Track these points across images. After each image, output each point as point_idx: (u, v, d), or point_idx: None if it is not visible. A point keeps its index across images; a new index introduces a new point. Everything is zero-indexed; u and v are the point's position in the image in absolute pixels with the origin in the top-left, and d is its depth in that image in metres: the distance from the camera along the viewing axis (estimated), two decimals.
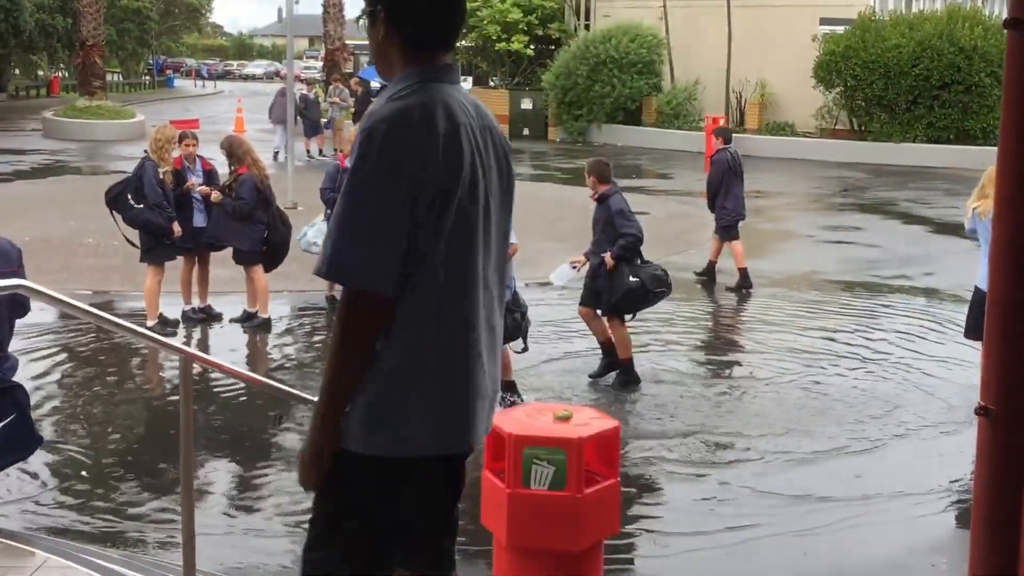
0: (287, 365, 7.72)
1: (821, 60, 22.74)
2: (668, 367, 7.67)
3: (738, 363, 7.87)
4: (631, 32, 25.42)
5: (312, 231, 8.86)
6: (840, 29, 23.02)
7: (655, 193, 17.67)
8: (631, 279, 6.87)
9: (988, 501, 1.93)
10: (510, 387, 6.56)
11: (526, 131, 27.56)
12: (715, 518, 5.16)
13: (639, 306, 7.07)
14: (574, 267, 7.33)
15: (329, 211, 8.52)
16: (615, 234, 6.90)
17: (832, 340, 8.38)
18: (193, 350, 3.73)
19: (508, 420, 3.85)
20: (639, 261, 7.00)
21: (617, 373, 7.09)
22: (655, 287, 6.94)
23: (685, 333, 8.79)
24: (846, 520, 5.11)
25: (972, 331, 6.84)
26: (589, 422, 3.90)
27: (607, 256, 6.91)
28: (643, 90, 25.63)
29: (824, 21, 23.81)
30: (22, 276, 4.38)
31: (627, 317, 7.11)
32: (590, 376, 7.17)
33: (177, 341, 8.05)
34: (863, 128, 23.15)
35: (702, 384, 7.32)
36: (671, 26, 25.50)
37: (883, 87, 21.90)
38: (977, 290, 6.71)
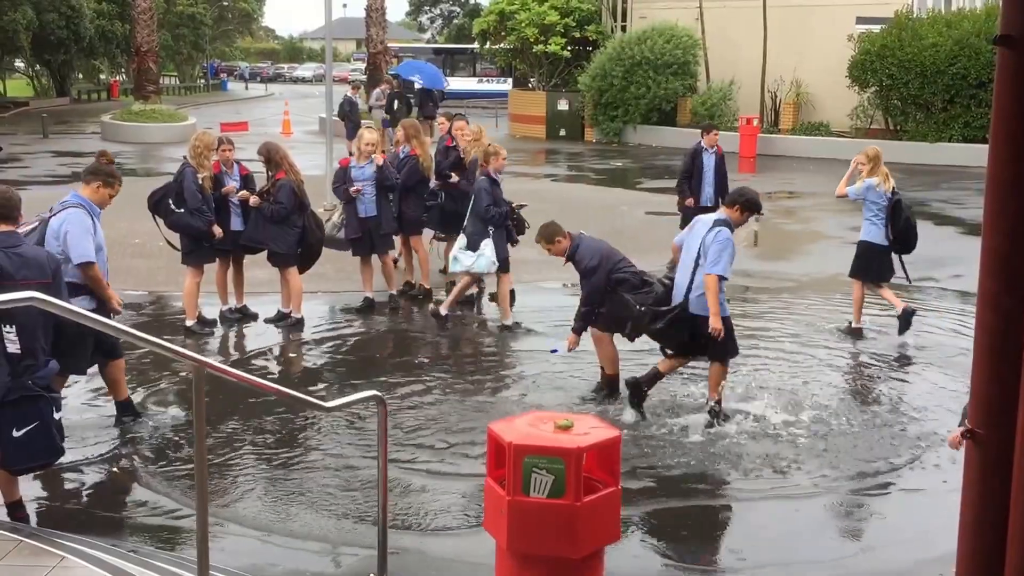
0: (318, 364, 8.02)
1: (856, 59, 22.62)
2: (677, 374, 7.83)
3: (750, 369, 7.80)
4: (666, 33, 25.47)
5: (486, 255, 8.64)
6: (876, 28, 22.88)
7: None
8: (639, 308, 6.57)
9: (975, 521, 1.99)
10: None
11: (562, 132, 27.82)
12: (721, 524, 5.28)
13: (642, 331, 6.77)
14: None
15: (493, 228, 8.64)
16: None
17: (846, 346, 8.43)
18: (205, 358, 3.94)
19: (510, 429, 3.90)
20: (643, 286, 6.77)
21: (604, 390, 7.04)
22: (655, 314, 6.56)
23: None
24: (854, 529, 5.26)
25: (854, 273, 8.70)
26: (590, 431, 3.92)
27: (570, 337, 6.95)
28: (678, 91, 25.68)
29: (861, 20, 23.65)
30: (58, 287, 4.70)
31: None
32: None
33: (214, 339, 8.59)
34: (898, 127, 22.99)
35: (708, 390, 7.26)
36: (707, 26, 25.54)
37: (919, 86, 21.72)
38: (860, 242, 8.55)
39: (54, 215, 5.97)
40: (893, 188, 8.30)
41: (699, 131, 11.41)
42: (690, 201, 10.84)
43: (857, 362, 8.10)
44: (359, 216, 9.13)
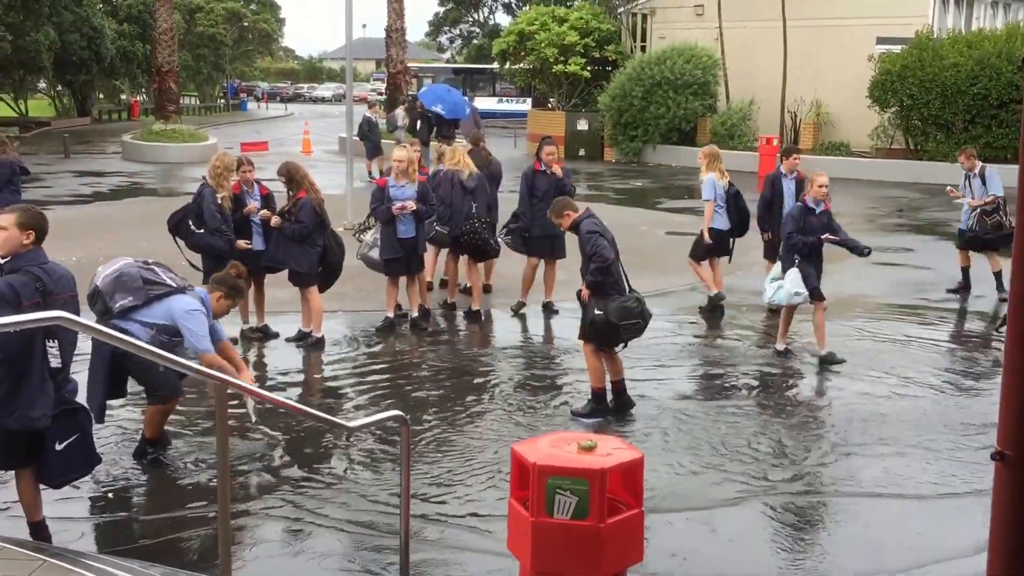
0: (338, 383, 8.00)
1: (877, 79, 22.61)
2: (699, 393, 7.77)
3: (772, 389, 7.83)
4: (686, 53, 25.55)
5: (786, 287, 8.16)
6: (897, 48, 22.87)
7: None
8: (596, 312, 6.71)
9: (1004, 544, 1.95)
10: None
11: (582, 152, 27.87)
12: (744, 548, 5.19)
13: (606, 339, 6.84)
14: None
15: None
16: (588, 257, 6.75)
17: (867, 365, 8.39)
18: (227, 377, 3.95)
19: (533, 450, 3.90)
20: (615, 292, 6.77)
21: (588, 400, 7.05)
22: (622, 319, 6.69)
23: (718, 357, 8.82)
24: (879, 549, 5.17)
25: (705, 255, 10.20)
26: (613, 452, 3.92)
27: (583, 286, 6.83)
28: (698, 111, 25.71)
29: (881, 40, 23.66)
30: (77, 300, 4.77)
31: (618, 348, 6.96)
32: (572, 412, 7.06)
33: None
34: (919, 148, 22.91)
35: (733, 410, 7.28)
36: (727, 47, 25.59)
37: (940, 106, 21.68)
38: (712, 230, 9.97)
39: (184, 292, 6.05)
40: (729, 181, 10.01)
41: (780, 157, 11.07)
42: (767, 235, 10.15)
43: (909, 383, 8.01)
44: (398, 237, 9.11)
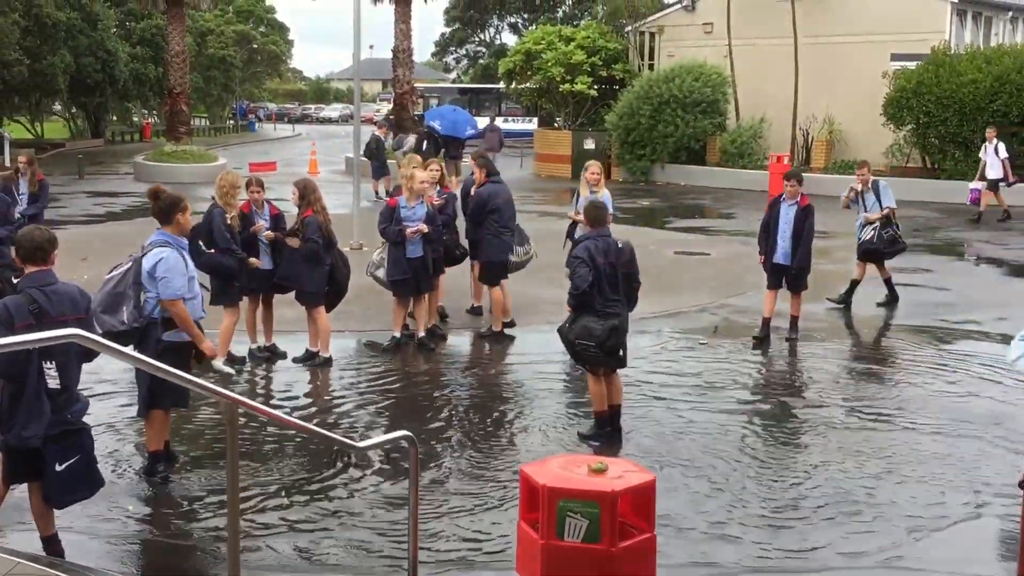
0: (345, 403, 7.95)
1: (891, 97, 22.40)
2: (708, 415, 7.65)
3: (784, 414, 7.69)
4: (695, 71, 25.44)
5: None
6: (911, 65, 22.71)
7: (716, 233, 17.68)
8: (564, 324, 6.74)
9: None
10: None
11: None
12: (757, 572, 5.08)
13: (574, 356, 6.81)
14: None
15: None
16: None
17: (883, 386, 8.32)
18: (238, 396, 3.94)
19: (544, 472, 3.86)
20: (593, 315, 6.58)
21: (592, 426, 6.98)
22: (577, 338, 6.58)
23: (726, 378, 8.68)
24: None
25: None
26: (624, 475, 3.88)
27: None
28: (707, 129, 25.59)
29: (895, 57, 23.55)
30: (91, 322, 4.83)
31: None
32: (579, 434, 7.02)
33: (243, 378, 8.52)
34: (936, 166, 22.64)
35: (743, 433, 7.17)
36: (736, 64, 25.51)
37: (958, 124, 21.39)
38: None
39: (145, 255, 6.03)
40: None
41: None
42: (760, 259, 10.00)
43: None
44: (407, 257, 9.08)
